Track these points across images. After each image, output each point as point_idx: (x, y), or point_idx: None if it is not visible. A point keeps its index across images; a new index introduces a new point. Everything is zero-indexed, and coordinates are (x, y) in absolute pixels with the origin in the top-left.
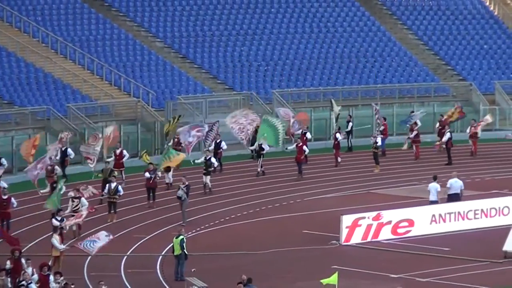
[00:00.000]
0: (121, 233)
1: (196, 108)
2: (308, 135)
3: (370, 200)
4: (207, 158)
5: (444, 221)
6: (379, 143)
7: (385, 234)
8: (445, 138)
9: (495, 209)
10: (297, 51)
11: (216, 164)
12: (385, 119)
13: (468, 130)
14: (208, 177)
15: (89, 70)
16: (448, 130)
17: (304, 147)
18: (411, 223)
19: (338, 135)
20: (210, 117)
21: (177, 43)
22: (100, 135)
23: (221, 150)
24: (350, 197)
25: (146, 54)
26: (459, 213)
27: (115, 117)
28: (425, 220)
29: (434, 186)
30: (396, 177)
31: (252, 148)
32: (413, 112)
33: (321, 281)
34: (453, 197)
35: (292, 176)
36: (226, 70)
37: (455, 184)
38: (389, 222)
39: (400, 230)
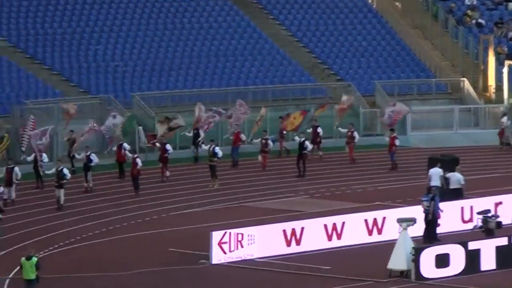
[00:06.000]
0: None
1: (47, 113)
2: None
3: (242, 214)
4: (59, 169)
5: None
6: (219, 154)
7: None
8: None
9: None
10: (159, 50)
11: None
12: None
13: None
14: (62, 190)
15: None
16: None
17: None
18: None
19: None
20: (62, 123)
21: (23, 42)
22: None
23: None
24: (221, 211)
25: None
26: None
27: None
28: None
29: (436, 171)
30: (269, 189)
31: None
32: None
33: None
34: (455, 192)
35: (154, 188)
36: (80, 72)
37: (453, 177)
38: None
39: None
